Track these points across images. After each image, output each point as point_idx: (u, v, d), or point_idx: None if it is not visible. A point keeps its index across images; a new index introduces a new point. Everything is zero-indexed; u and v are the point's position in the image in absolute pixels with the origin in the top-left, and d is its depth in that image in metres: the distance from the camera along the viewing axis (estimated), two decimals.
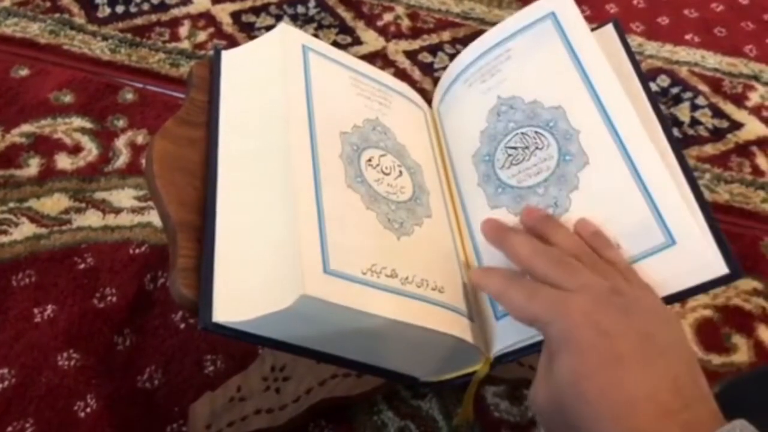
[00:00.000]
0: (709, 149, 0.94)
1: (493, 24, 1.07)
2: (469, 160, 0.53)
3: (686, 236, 0.42)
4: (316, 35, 1.03)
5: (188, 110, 0.52)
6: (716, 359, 0.75)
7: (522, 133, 0.51)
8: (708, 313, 0.78)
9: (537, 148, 0.50)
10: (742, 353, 0.76)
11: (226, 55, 0.55)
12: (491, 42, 0.56)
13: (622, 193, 0.45)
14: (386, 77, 0.58)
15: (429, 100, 0.61)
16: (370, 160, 0.50)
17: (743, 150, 0.95)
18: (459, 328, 0.44)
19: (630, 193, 0.45)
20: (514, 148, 0.51)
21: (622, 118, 0.47)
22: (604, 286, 0.39)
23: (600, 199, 0.46)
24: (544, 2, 0.54)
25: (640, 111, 0.48)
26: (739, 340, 0.77)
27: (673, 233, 0.43)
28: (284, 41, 0.53)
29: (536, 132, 0.50)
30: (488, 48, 0.56)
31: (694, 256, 0.42)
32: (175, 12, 1.06)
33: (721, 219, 0.46)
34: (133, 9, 1.06)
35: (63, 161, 0.86)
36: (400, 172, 0.51)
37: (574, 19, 0.52)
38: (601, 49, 0.50)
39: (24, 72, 0.96)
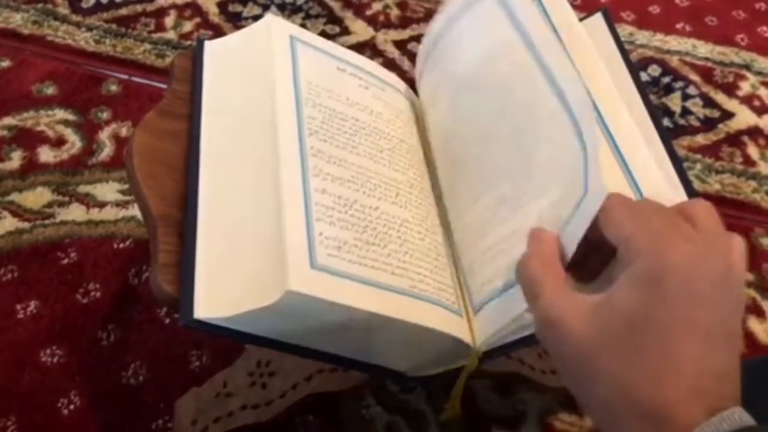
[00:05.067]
0: (701, 139, 0.94)
1: None
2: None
3: (649, 184, 0.40)
4: (303, 25, 1.02)
5: (170, 102, 0.51)
6: None
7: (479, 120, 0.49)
8: None
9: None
10: None
11: (209, 45, 0.54)
12: (442, 25, 0.54)
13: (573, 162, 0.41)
14: (375, 68, 0.57)
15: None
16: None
17: (734, 140, 0.94)
18: (447, 323, 0.44)
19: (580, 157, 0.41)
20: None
21: (565, 78, 0.43)
22: (712, 248, 0.35)
23: (553, 170, 0.43)
24: None
25: (630, 102, 0.47)
26: None
27: (639, 184, 0.41)
28: (271, 32, 0.52)
29: (491, 112, 0.49)
30: (441, 33, 0.54)
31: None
32: (161, 2, 1.05)
33: None
34: None
35: (46, 154, 0.85)
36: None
37: None
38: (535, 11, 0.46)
39: (6, 63, 0.94)
